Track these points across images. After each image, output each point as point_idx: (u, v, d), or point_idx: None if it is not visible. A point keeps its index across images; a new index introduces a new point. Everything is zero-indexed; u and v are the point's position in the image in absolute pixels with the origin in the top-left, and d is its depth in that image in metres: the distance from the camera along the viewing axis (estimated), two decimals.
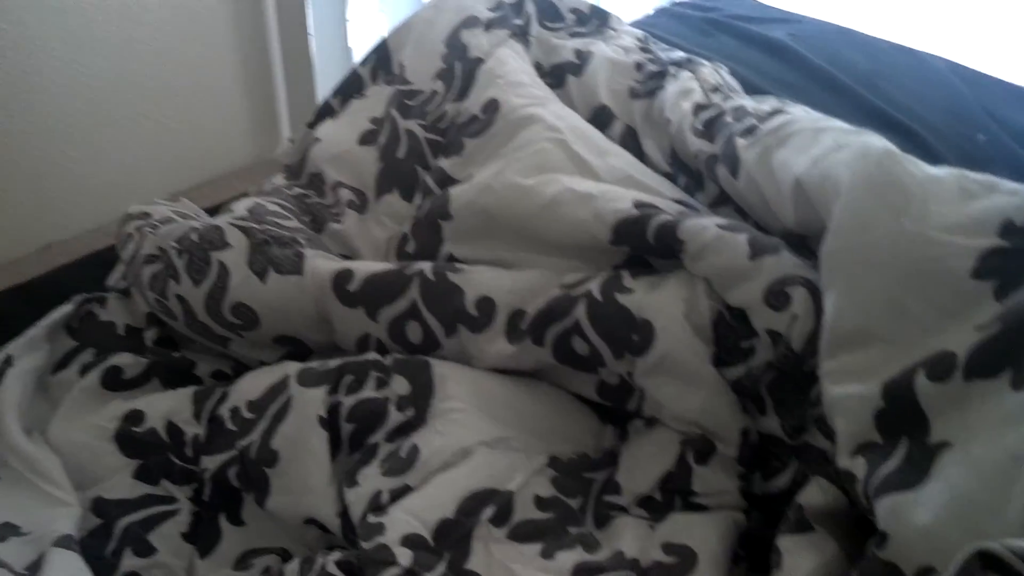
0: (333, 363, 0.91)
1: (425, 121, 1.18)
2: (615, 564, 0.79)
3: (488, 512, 0.81)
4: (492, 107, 1.13)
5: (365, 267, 0.98)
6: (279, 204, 1.11)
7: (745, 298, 0.84)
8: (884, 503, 0.67)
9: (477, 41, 1.23)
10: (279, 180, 1.22)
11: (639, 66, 1.24)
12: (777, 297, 0.82)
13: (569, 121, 1.10)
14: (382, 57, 1.27)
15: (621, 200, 0.94)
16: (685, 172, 1.12)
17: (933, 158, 1.31)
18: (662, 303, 0.87)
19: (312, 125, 1.25)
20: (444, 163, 1.13)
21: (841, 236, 0.78)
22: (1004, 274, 0.71)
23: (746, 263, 0.84)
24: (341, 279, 0.96)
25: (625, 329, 0.87)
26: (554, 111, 1.11)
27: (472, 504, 0.81)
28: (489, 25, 1.26)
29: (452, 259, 1.02)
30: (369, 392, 0.88)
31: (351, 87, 1.27)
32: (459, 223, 1.03)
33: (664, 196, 0.99)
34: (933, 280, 0.73)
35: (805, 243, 0.91)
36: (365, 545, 0.77)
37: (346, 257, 1.08)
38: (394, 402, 0.87)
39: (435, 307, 0.94)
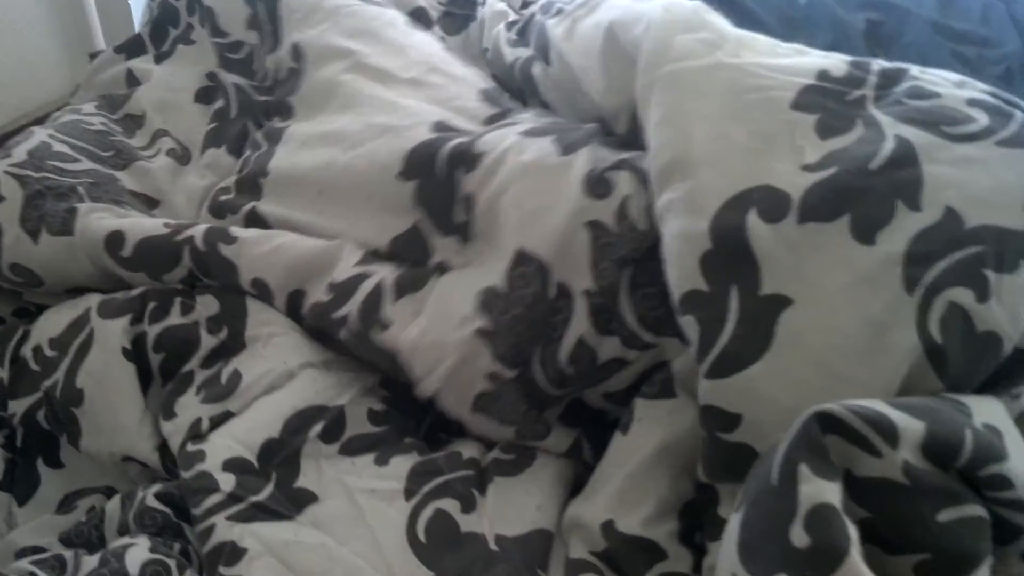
0: (136, 291, 0.86)
1: (254, 81, 1.11)
2: (453, 465, 0.78)
3: (316, 428, 0.79)
4: (298, 54, 1.06)
5: (136, 229, 0.88)
6: (69, 142, 1.00)
7: (560, 198, 0.76)
8: (733, 383, 0.64)
9: None
10: (88, 107, 1.11)
11: None
12: (599, 184, 0.76)
13: (364, 29, 1.02)
14: None
15: (420, 126, 0.88)
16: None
17: (754, 22, 1.32)
18: (413, 343, 0.79)
19: (121, 51, 1.17)
20: (277, 124, 1.05)
21: (654, 66, 0.74)
22: (825, 110, 0.70)
23: (557, 159, 0.79)
24: (113, 242, 0.88)
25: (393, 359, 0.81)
26: (348, 27, 1.03)
27: (299, 422, 0.78)
28: None
29: (254, 214, 0.95)
30: (175, 319, 0.83)
31: (166, 19, 1.18)
32: (274, 179, 0.96)
33: (471, 86, 0.95)
34: (754, 107, 0.71)
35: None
36: (185, 475, 0.74)
37: (149, 199, 1.00)
38: (204, 325, 0.83)
39: (212, 279, 0.88)
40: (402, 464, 0.78)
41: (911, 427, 0.54)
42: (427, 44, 1.02)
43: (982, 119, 0.66)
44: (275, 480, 0.75)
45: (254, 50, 1.13)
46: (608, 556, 0.70)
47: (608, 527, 0.70)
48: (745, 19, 1.34)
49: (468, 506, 0.75)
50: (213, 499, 0.72)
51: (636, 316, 0.74)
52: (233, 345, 0.82)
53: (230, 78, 1.10)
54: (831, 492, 0.52)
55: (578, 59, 0.88)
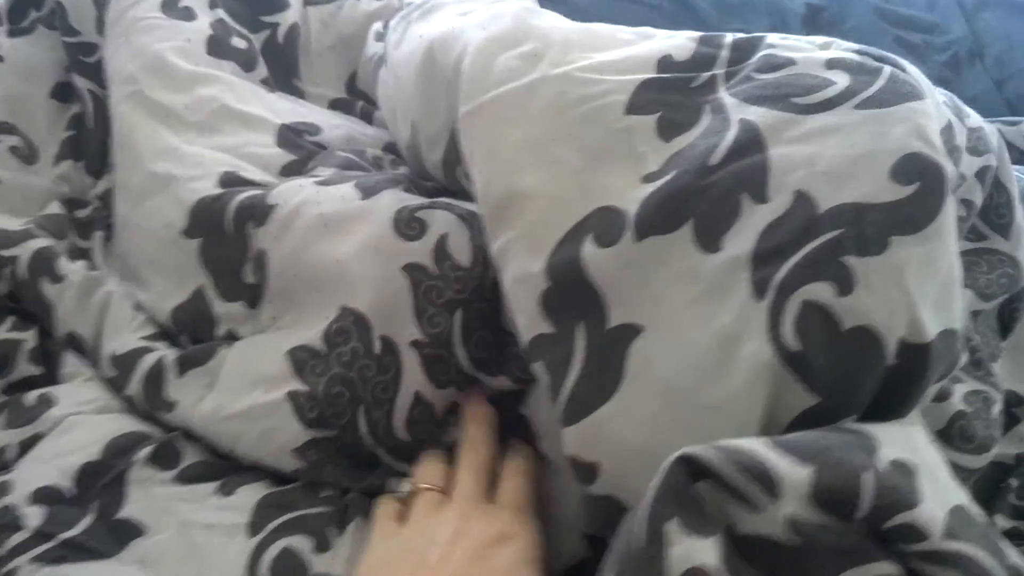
0: None
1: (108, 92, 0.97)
2: (309, 500, 0.69)
3: (145, 451, 0.69)
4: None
5: None
6: None
7: (368, 243, 0.69)
8: (583, 428, 0.56)
9: None
10: None
11: None
12: (410, 225, 0.68)
13: (151, 51, 0.87)
14: None
15: (206, 178, 0.78)
16: (365, 99, 0.99)
17: (688, 8, 1.28)
18: (205, 420, 0.71)
19: None
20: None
21: (474, 96, 0.65)
22: (666, 106, 0.61)
23: (359, 203, 0.71)
24: None
25: None
26: (137, 46, 0.88)
27: (125, 442, 0.69)
28: None
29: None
30: (3, 333, 0.75)
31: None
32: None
33: (267, 128, 0.85)
34: (583, 122, 0.61)
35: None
36: None
37: None
38: (27, 352, 0.75)
39: (31, 308, 0.79)
40: (249, 495, 0.68)
41: (795, 474, 0.45)
42: (220, 79, 0.87)
43: (841, 81, 0.56)
44: (96, 511, 0.65)
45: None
46: None
47: None
48: (680, 5, 1.29)
49: (322, 545, 0.65)
50: (17, 538, 0.62)
51: (473, 363, 0.67)
52: (48, 381, 0.74)
53: (84, 84, 0.98)
54: (706, 552, 0.44)
55: (402, 71, 0.78)
